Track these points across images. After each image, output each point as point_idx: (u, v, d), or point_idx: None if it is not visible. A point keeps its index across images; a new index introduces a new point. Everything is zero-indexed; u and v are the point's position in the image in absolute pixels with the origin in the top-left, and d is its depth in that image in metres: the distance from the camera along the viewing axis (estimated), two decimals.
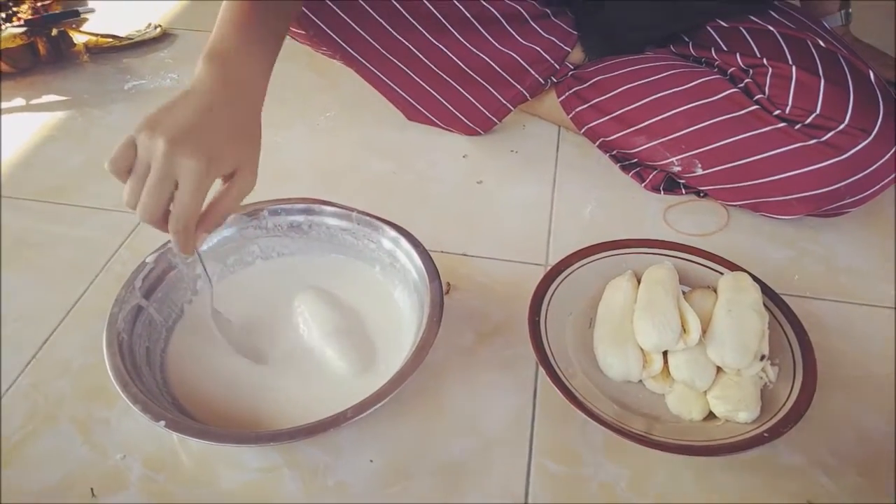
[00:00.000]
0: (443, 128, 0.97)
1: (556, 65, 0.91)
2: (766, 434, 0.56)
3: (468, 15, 0.87)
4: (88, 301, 0.74)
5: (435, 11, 0.86)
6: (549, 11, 0.91)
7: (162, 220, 0.53)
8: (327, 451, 0.59)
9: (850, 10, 0.99)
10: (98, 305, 0.71)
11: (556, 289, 0.69)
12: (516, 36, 0.89)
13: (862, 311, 0.73)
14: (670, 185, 0.88)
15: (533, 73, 0.91)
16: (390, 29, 0.87)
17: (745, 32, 0.82)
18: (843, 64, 0.75)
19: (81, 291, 0.75)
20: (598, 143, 0.91)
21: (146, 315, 0.65)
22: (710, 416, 0.61)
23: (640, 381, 0.64)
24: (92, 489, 0.57)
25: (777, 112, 0.75)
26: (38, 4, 1.14)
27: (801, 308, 0.71)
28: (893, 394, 0.64)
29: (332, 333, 0.65)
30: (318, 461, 0.59)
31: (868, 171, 0.73)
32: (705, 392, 0.61)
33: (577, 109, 0.91)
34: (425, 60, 0.89)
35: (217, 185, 0.56)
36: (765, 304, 0.66)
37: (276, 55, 0.63)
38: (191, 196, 0.51)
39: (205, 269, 0.63)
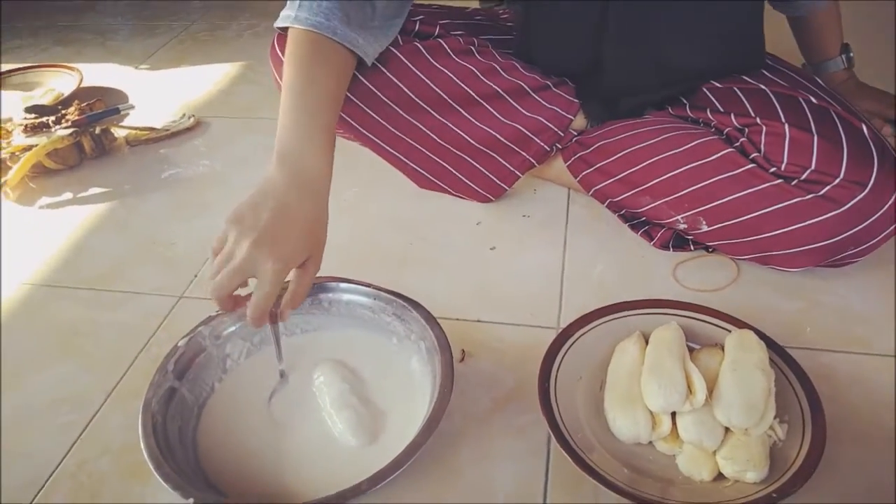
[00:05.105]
0: (456, 195, 1.02)
1: (560, 132, 0.95)
2: (774, 495, 0.57)
3: (472, 94, 0.91)
4: (128, 383, 0.79)
5: (441, 93, 0.91)
6: (549, 83, 0.95)
7: (227, 300, 0.61)
8: None
9: (852, 54, 1.02)
10: (137, 386, 0.76)
11: (564, 354, 0.71)
12: (520, 109, 0.94)
13: (874, 361, 0.73)
14: (679, 241, 0.90)
15: (538, 141, 0.96)
16: (400, 111, 0.92)
17: (738, 92, 0.85)
18: (836, 119, 0.77)
19: (121, 374, 0.80)
20: (606, 203, 0.94)
21: (179, 395, 0.69)
22: (721, 476, 0.61)
23: (651, 442, 0.65)
24: None
25: (773, 169, 0.78)
26: (84, 105, 1.24)
27: (813, 361, 0.72)
28: None
29: (343, 407, 0.68)
30: None
31: (868, 222, 0.74)
32: (715, 452, 0.62)
33: (584, 173, 0.95)
34: (434, 137, 0.94)
35: None
36: (772, 361, 0.67)
37: (333, 146, 0.71)
38: (269, 291, 0.60)
39: (277, 344, 0.70)
